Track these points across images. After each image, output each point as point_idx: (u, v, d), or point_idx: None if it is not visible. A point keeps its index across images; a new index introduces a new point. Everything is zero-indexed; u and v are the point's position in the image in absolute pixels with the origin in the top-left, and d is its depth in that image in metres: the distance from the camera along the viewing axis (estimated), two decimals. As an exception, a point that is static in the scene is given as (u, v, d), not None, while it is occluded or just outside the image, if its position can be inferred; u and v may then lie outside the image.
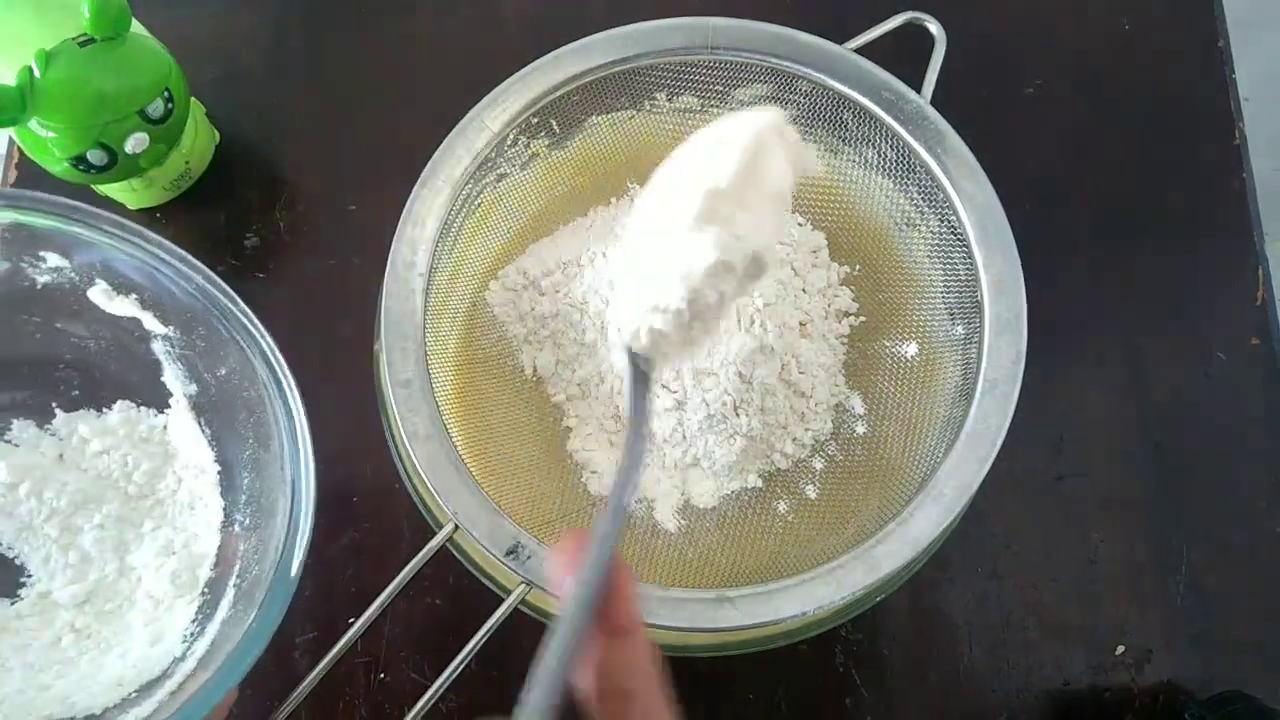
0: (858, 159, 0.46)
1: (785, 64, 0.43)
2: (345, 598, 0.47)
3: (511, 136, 0.43)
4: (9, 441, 0.40)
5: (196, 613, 0.37)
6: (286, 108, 0.56)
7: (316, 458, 0.34)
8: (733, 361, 0.40)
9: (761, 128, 0.26)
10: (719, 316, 0.27)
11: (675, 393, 0.41)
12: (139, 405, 0.41)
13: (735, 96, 0.46)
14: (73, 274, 0.37)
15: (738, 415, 0.41)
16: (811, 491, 0.44)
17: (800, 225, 0.48)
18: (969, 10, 0.56)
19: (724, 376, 0.41)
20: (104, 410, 0.41)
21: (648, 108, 0.46)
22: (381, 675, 0.46)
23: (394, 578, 0.35)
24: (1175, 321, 0.52)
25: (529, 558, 0.36)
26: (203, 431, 0.40)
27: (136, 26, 0.47)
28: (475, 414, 0.44)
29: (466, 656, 0.34)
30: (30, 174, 0.53)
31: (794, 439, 0.44)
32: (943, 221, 0.43)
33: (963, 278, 0.42)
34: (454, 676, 0.34)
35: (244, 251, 0.53)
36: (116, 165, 0.46)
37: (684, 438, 0.42)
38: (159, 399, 0.41)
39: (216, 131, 0.54)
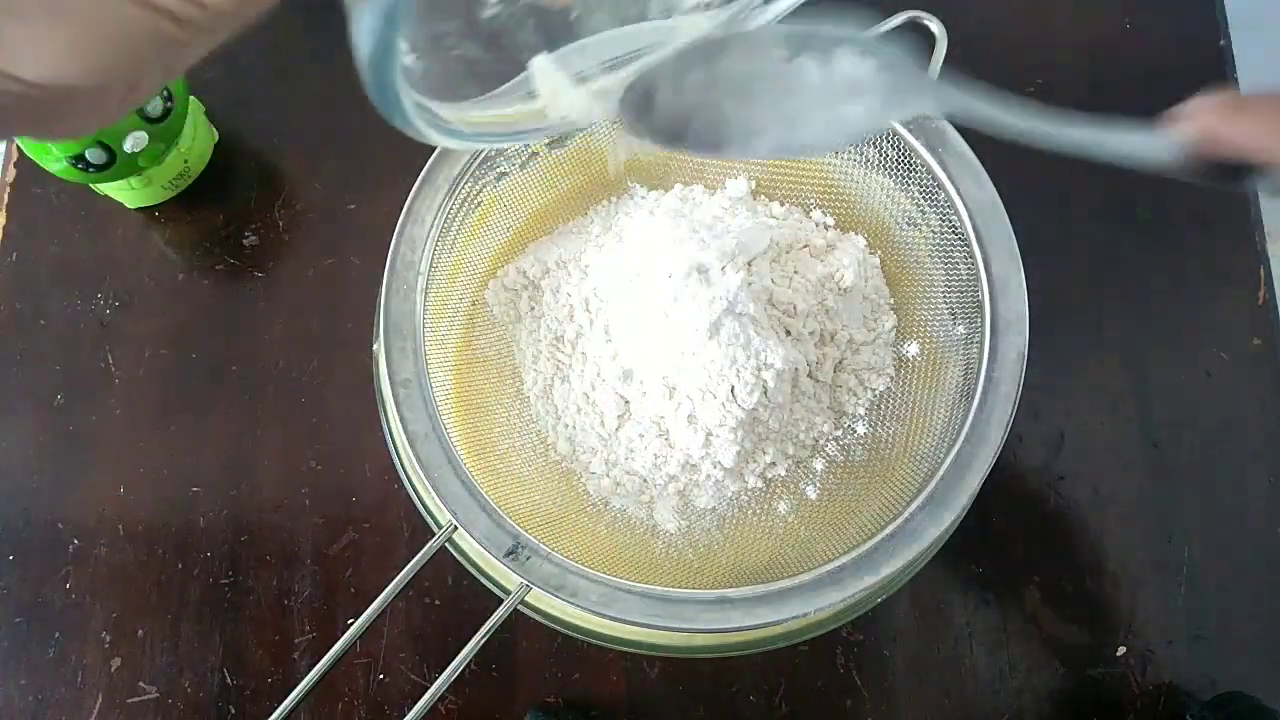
0: (859, 158, 0.46)
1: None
2: (345, 598, 0.47)
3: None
4: None
5: None
6: (286, 107, 0.56)
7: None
8: (746, 365, 0.40)
9: None
10: None
11: (681, 400, 0.41)
12: None
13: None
14: None
15: (741, 417, 0.41)
16: (812, 492, 0.44)
17: (801, 223, 0.48)
18: (970, 9, 0.56)
19: (728, 381, 0.40)
20: None
21: (648, 107, 0.46)
22: (381, 676, 0.46)
23: (394, 578, 0.35)
24: (1176, 321, 0.52)
25: (529, 558, 0.36)
26: None
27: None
28: (475, 414, 0.44)
29: (466, 656, 0.34)
30: (29, 172, 0.53)
31: (795, 439, 0.44)
32: (944, 221, 0.43)
33: (964, 277, 0.42)
34: (454, 677, 0.34)
35: (243, 251, 0.53)
36: (115, 164, 0.46)
37: (685, 440, 0.42)
38: None
39: (215, 130, 0.54)
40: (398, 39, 0.16)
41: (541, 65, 0.24)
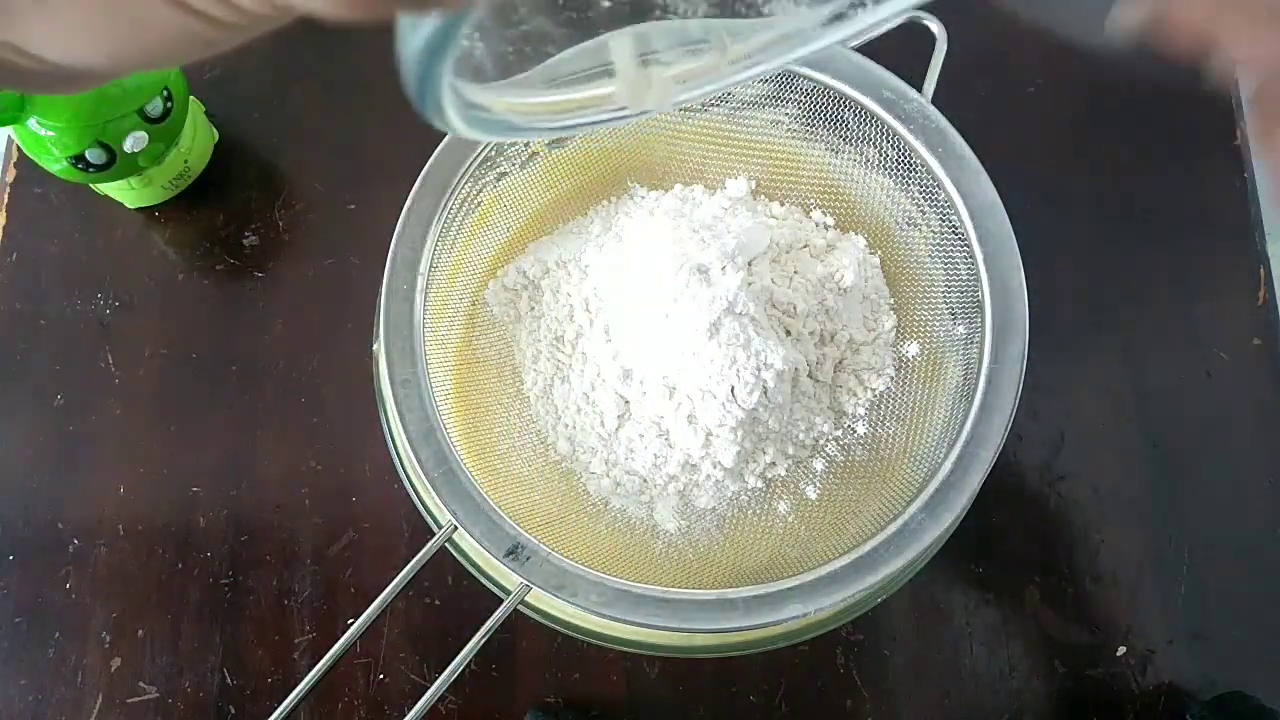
0: (858, 158, 0.46)
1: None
2: (345, 598, 0.47)
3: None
4: None
5: None
6: (286, 108, 0.56)
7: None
8: (746, 365, 0.40)
9: None
10: None
11: (681, 400, 0.41)
12: None
13: (735, 95, 0.46)
14: None
15: (741, 417, 0.41)
16: (812, 492, 0.44)
17: (801, 223, 0.48)
18: (970, 9, 0.56)
19: (728, 381, 0.40)
20: None
21: (648, 107, 0.46)
22: (381, 675, 0.46)
23: (394, 578, 0.35)
24: (1175, 321, 0.52)
25: (528, 558, 0.36)
26: None
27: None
28: (475, 414, 0.44)
29: (466, 656, 0.34)
30: (29, 172, 0.53)
31: (795, 439, 0.44)
32: (944, 221, 0.43)
33: (964, 277, 0.42)
34: (454, 677, 0.34)
35: (243, 251, 0.53)
36: (115, 164, 0.46)
37: (685, 440, 0.42)
38: None
39: (215, 130, 0.54)
40: (460, 35, 0.15)
41: (621, 45, 0.23)
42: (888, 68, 0.42)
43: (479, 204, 0.44)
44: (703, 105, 0.46)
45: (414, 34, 0.15)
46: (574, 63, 0.23)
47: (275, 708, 0.32)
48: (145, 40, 0.14)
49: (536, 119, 0.22)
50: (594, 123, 0.24)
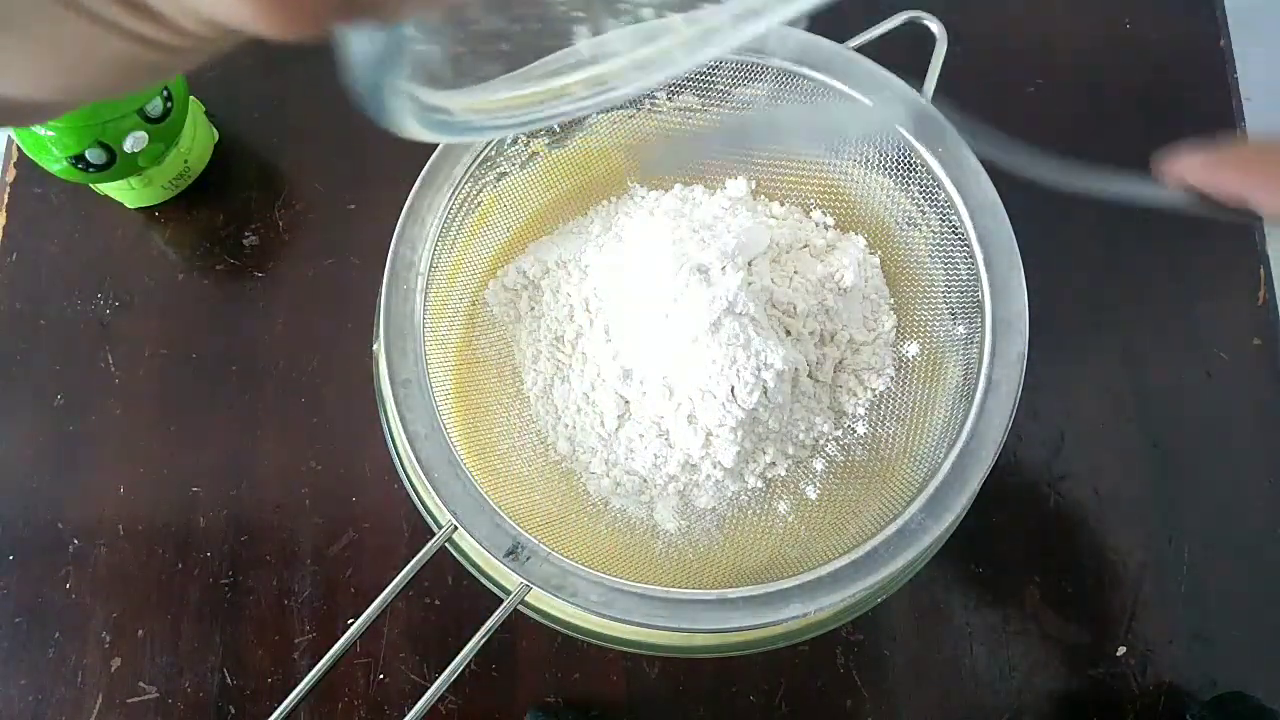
0: (859, 158, 0.46)
1: (786, 63, 0.43)
2: (345, 598, 0.47)
3: (511, 135, 0.43)
4: None
5: None
6: (286, 108, 0.56)
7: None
8: (746, 365, 0.40)
9: None
10: None
11: (681, 400, 0.41)
12: None
13: (736, 95, 0.45)
14: None
15: (741, 417, 0.41)
16: (812, 492, 0.44)
17: (801, 223, 0.48)
18: (970, 9, 0.56)
19: (728, 381, 0.40)
20: None
21: (648, 107, 0.46)
22: (381, 676, 0.46)
23: (394, 578, 0.35)
24: (1175, 321, 0.52)
25: (529, 558, 0.36)
26: None
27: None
28: (475, 414, 0.44)
29: (466, 656, 0.34)
30: (29, 172, 0.53)
31: (795, 439, 0.44)
32: (944, 221, 0.43)
33: (964, 277, 0.42)
34: (454, 677, 0.34)
35: (243, 251, 0.53)
36: (115, 164, 0.46)
37: (685, 440, 0.42)
38: None
39: (215, 130, 0.54)
40: (407, 41, 0.15)
41: (589, 37, 0.23)
42: (888, 67, 0.42)
43: (479, 204, 0.44)
44: (703, 106, 0.46)
45: (359, 44, 0.15)
46: (533, 59, 0.23)
47: (275, 708, 0.32)
48: (93, 70, 0.15)
49: (498, 116, 0.23)
50: (558, 115, 0.24)
